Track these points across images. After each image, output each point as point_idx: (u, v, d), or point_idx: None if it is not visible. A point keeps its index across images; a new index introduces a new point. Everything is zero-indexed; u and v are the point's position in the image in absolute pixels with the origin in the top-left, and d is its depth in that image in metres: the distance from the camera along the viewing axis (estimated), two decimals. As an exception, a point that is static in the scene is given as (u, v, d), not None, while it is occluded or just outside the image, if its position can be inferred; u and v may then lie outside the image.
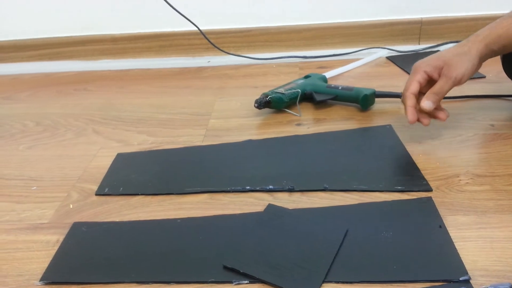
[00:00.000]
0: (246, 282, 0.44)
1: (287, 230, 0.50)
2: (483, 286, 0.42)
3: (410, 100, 0.62)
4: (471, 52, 0.60)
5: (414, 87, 0.62)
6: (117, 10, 1.13)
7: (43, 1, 1.13)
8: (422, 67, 0.62)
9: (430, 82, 0.63)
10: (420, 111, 0.63)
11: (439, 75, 0.61)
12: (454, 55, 0.61)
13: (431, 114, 0.64)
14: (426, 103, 0.61)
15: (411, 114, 0.62)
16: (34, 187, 0.63)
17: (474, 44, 0.61)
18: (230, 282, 0.44)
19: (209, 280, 0.44)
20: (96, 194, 0.60)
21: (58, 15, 1.15)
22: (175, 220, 0.54)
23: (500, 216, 0.50)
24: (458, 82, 0.60)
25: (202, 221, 0.53)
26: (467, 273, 0.43)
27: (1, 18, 1.16)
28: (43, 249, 0.51)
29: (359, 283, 0.43)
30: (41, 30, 1.17)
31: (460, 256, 0.45)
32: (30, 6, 1.14)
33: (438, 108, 0.64)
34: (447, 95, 0.79)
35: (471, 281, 0.42)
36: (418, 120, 0.63)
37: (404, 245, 0.47)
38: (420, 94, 0.63)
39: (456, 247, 0.46)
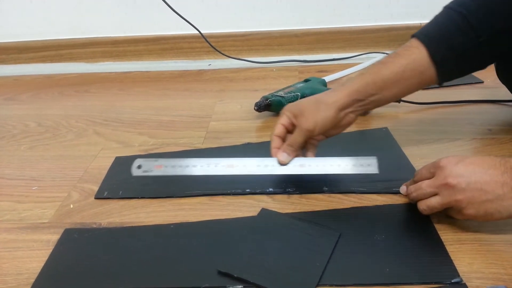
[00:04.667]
0: (241, 286, 0.44)
1: (281, 234, 0.50)
2: (479, 288, 0.42)
3: (273, 143, 0.58)
4: (328, 102, 0.56)
5: (278, 130, 0.58)
6: (118, 13, 1.14)
7: (45, 3, 1.14)
8: (285, 111, 0.59)
9: (294, 126, 0.59)
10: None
11: (297, 122, 0.57)
12: (311, 103, 0.57)
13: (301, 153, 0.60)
14: (282, 155, 0.57)
15: (275, 156, 0.58)
16: (35, 187, 0.64)
17: (335, 94, 0.57)
18: (224, 287, 0.44)
19: (204, 286, 0.44)
20: (96, 198, 0.60)
21: (60, 18, 1.16)
22: (168, 225, 0.54)
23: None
24: (311, 133, 0.56)
25: (195, 226, 0.53)
26: (458, 276, 0.43)
27: (4, 20, 1.17)
28: (43, 248, 0.51)
29: (353, 286, 0.44)
30: (42, 32, 1.18)
31: (457, 258, 0.46)
32: (32, 8, 1.15)
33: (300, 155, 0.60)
34: (444, 99, 0.81)
35: (467, 283, 0.43)
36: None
37: (397, 248, 0.48)
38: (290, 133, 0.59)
39: (452, 249, 0.47)
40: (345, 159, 0.57)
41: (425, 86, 0.58)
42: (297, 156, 0.58)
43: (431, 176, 0.50)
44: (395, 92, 0.57)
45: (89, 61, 1.19)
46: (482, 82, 0.89)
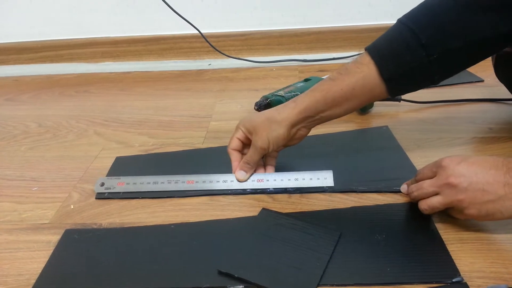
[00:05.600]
0: (241, 286, 0.44)
1: (281, 234, 0.50)
2: (480, 288, 0.42)
3: (233, 156, 0.60)
4: (279, 120, 0.56)
5: (234, 144, 0.60)
6: (118, 13, 1.14)
7: (45, 4, 1.14)
8: (240, 125, 0.60)
9: (250, 140, 0.60)
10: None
11: (251, 139, 0.58)
12: (264, 120, 0.57)
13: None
14: (239, 174, 0.59)
15: (236, 170, 0.60)
16: (35, 188, 0.64)
17: (286, 111, 0.57)
18: (225, 287, 0.44)
19: (204, 286, 0.44)
20: (96, 198, 0.60)
21: (60, 18, 1.16)
22: (168, 225, 0.54)
23: (497, 219, 0.51)
24: (265, 151, 0.58)
25: (196, 226, 0.53)
26: (459, 275, 0.43)
27: (3, 20, 1.17)
28: (43, 249, 0.51)
29: (354, 286, 0.44)
30: (42, 32, 1.18)
31: (458, 258, 0.45)
32: (31, 9, 1.15)
33: (259, 168, 0.61)
34: (445, 98, 0.81)
35: (468, 282, 0.43)
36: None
37: (397, 248, 0.47)
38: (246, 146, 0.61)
39: (454, 249, 0.47)
40: (302, 173, 0.60)
41: (376, 100, 0.60)
42: (255, 171, 0.60)
43: (433, 175, 0.50)
44: (346, 108, 0.57)
45: (89, 61, 1.19)
46: (483, 80, 0.89)
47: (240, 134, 0.60)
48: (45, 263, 0.49)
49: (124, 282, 0.46)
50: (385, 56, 0.54)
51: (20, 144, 0.77)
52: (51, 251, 0.50)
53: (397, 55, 0.54)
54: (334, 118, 0.58)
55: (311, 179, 0.59)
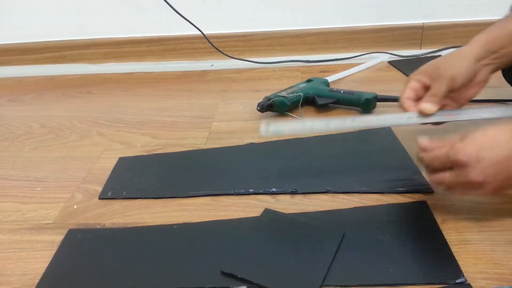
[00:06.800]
0: (244, 287, 0.44)
1: (284, 234, 0.50)
2: (484, 289, 0.42)
3: (406, 104, 0.59)
4: (464, 54, 0.58)
5: (408, 93, 0.59)
6: (121, 14, 1.14)
7: (48, 5, 1.15)
8: (413, 75, 0.60)
9: (426, 89, 0.60)
10: None
11: (432, 79, 0.58)
12: (446, 57, 0.60)
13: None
14: (427, 106, 0.57)
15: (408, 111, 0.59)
16: (39, 188, 0.64)
17: (467, 47, 0.59)
18: (227, 287, 0.44)
19: (207, 286, 0.44)
20: (100, 198, 0.60)
21: (62, 19, 1.16)
22: (171, 226, 0.54)
23: (501, 220, 0.51)
24: (453, 81, 0.57)
25: (198, 227, 0.53)
26: (463, 276, 0.43)
27: (6, 21, 1.18)
28: (47, 249, 0.51)
29: (357, 286, 0.44)
30: (45, 33, 1.18)
31: (461, 259, 0.45)
32: (34, 10, 1.15)
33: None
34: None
35: (472, 284, 0.42)
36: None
37: (400, 248, 0.47)
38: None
39: (457, 250, 0.47)
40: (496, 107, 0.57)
41: None
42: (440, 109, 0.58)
43: (448, 166, 0.48)
44: None
45: (92, 62, 1.20)
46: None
47: (412, 84, 0.59)
48: (48, 263, 0.49)
49: (127, 282, 0.46)
50: None
51: (23, 145, 0.77)
52: (55, 251, 0.51)
53: None
54: None
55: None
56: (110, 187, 0.62)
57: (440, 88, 0.57)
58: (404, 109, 0.60)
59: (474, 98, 0.80)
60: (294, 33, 1.14)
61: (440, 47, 1.11)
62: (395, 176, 0.60)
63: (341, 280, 0.44)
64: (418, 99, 0.59)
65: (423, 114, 0.58)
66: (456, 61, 0.58)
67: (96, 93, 1.00)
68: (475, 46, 0.58)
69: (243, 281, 0.44)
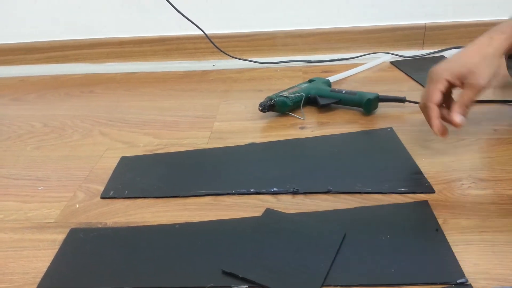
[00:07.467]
0: (245, 286, 0.44)
1: (285, 234, 0.50)
2: (484, 289, 0.42)
3: (435, 112, 0.58)
4: (493, 52, 0.56)
5: (437, 97, 0.57)
6: (123, 13, 1.15)
7: (50, 4, 1.15)
8: (444, 75, 0.57)
9: (451, 88, 0.59)
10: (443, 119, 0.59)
11: (462, 84, 0.56)
12: (479, 60, 0.56)
13: (445, 119, 0.60)
14: (459, 118, 0.57)
15: (439, 127, 0.59)
16: (41, 187, 0.64)
17: (499, 43, 0.56)
18: (229, 286, 0.44)
19: (208, 285, 0.44)
20: (102, 197, 0.60)
21: (65, 18, 1.16)
22: (173, 225, 0.54)
23: (502, 220, 0.51)
24: (484, 90, 0.57)
25: (200, 226, 0.54)
26: (464, 276, 0.43)
27: (9, 21, 1.18)
28: (49, 247, 0.51)
29: (358, 286, 0.44)
30: (48, 33, 1.18)
31: (462, 259, 0.45)
32: (37, 9, 1.16)
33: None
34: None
35: (473, 284, 0.42)
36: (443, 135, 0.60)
37: (402, 248, 0.47)
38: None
39: (458, 250, 0.47)
40: None
41: None
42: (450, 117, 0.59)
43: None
44: None
45: (95, 62, 1.20)
46: (488, 82, 0.89)
47: (443, 85, 0.57)
48: (50, 261, 0.49)
49: (128, 281, 0.46)
50: None
51: (25, 144, 0.77)
52: (56, 250, 0.51)
53: None
54: None
55: None
56: (112, 187, 0.62)
57: (472, 98, 0.57)
58: (429, 118, 0.59)
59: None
60: (296, 33, 1.14)
61: (443, 48, 1.11)
62: (397, 176, 0.60)
63: (342, 280, 0.44)
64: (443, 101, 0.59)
65: (456, 126, 0.58)
66: (488, 66, 0.55)
67: (98, 93, 1.00)
68: (505, 42, 0.56)
69: (244, 280, 0.45)
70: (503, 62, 0.58)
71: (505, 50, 0.56)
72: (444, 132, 0.59)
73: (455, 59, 0.59)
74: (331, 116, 0.80)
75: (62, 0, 1.14)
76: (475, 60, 0.56)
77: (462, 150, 0.66)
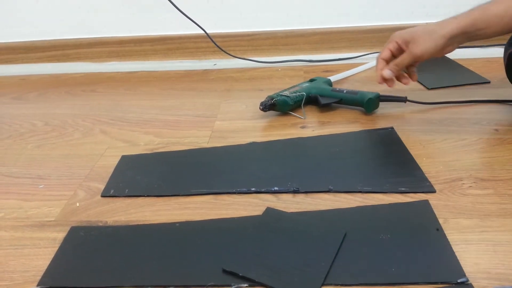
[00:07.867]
0: (245, 285, 0.44)
1: (286, 233, 0.50)
2: (485, 288, 0.42)
3: (380, 64, 0.71)
4: (440, 32, 0.63)
5: (385, 54, 0.70)
6: (124, 13, 1.15)
7: (51, 3, 1.15)
8: (395, 38, 0.69)
9: (402, 51, 0.69)
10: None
11: (405, 47, 0.67)
12: (423, 32, 0.65)
13: (398, 79, 0.73)
14: (386, 72, 0.70)
15: (379, 76, 0.71)
16: (42, 186, 0.64)
17: (447, 25, 0.64)
18: (229, 285, 0.44)
19: (209, 284, 0.44)
20: (102, 196, 0.60)
21: (66, 17, 1.17)
22: (173, 224, 0.54)
23: (502, 220, 0.51)
24: (419, 58, 0.67)
25: (200, 225, 0.54)
26: (464, 275, 0.43)
27: (11, 20, 1.18)
28: (49, 246, 0.52)
29: (358, 285, 0.44)
30: (49, 32, 1.18)
31: (463, 258, 0.45)
32: (38, 8, 1.16)
33: (401, 76, 0.73)
34: (451, 99, 0.81)
35: (473, 283, 0.42)
36: (386, 82, 0.72)
37: (402, 247, 0.47)
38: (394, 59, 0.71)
39: (459, 250, 0.47)
40: None
41: None
42: (399, 79, 0.72)
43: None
44: (497, 30, 0.63)
45: (96, 61, 1.20)
46: (489, 82, 0.89)
47: (393, 45, 0.69)
48: (50, 260, 0.49)
49: (128, 280, 0.46)
50: None
51: (26, 142, 0.77)
52: (57, 248, 0.51)
53: None
54: (484, 38, 0.64)
55: None
56: (113, 185, 0.62)
57: (404, 61, 0.68)
58: (377, 68, 0.71)
59: (473, 99, 0.81)
60: (297, 33, 1.14)
61: (444, 47, 1.10)
62: (397, 175, 0.59)
63: (342, 279, 0.44)
64: (393, 58, 0.70)
65: (382, 77, 0.70)
66: (430, 38, 0.64)
67: (99, 92, 1.00)
68: (453, 26, 0.63)
69: (245, 279, 0.45)
70: (452, 45, 0.66)
71: (451, 32, 0.63)
72: (381, 81, 0.71)
73: (410, 29, 0.68)
74: (332, 116, 0.80)
75: (63, 0, 1.14)
76: (421, 33, 0.66)
77: (463, 149, 0.65)
